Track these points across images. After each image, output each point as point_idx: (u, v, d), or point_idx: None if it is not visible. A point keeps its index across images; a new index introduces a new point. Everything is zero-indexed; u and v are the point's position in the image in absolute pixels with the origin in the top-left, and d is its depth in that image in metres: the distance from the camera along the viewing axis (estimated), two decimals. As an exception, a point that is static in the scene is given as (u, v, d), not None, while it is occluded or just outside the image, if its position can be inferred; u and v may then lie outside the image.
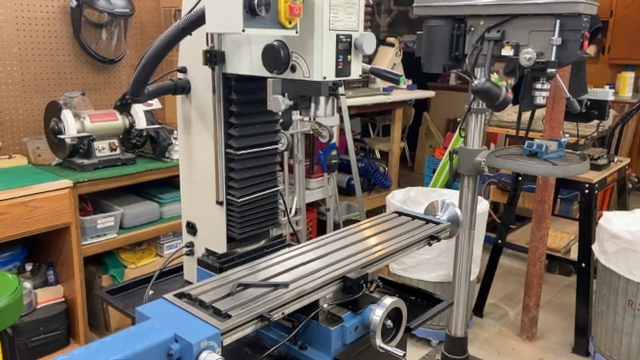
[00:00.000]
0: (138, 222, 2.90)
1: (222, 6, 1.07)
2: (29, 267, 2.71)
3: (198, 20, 1.18)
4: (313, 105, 1.25)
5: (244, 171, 1.45)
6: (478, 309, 3.41)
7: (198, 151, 1.50)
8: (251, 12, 1.04)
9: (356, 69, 1.26)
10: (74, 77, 3.08)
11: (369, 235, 1.51)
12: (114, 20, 3.01)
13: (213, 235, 1.50)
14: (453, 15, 2.49)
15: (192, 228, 1.56)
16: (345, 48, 1.22)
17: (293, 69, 1.22)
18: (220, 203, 1.46)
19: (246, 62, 1.32)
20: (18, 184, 2.43)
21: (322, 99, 1.24)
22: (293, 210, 3.65)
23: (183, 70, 1.48)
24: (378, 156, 5.65)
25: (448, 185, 4.49)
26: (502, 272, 3.95)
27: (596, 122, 3.24)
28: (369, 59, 4.33)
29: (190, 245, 1.57)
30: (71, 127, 2.60)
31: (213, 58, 1.36)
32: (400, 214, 1.73)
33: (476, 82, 2.30)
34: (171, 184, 3.09)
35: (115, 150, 2.79)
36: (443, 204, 1.80)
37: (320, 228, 4.14)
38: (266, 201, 1.52)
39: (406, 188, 3.39)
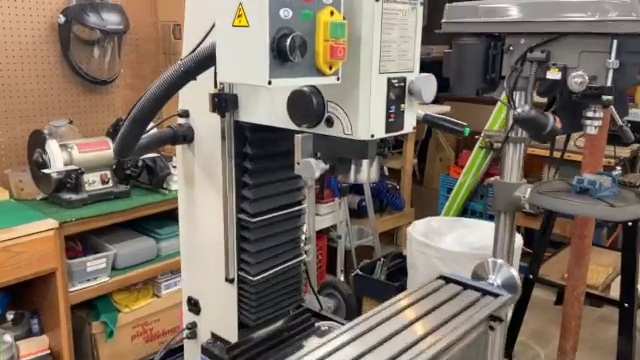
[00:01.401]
0: (133, 262, 2.60)
1: (240, 48, 0.78)
2: (10, 316, 2.41)
3: (206, 62, 0.89)
4: (353, 167, 0.97)
5: (261, 242, 1.16)
6: (507, 349, 3.11)
7: (203, 214, 1.21)
8: (280, 57, 0.75)
9: (410, 121, 0.97)
10: (62, 100, 2.79)
11: (417, 316, 1.21)
12: (106, 37, 2.72)
13: (221, 317, 1.21)
14: (488, 33, 2.20)
15: (195, 305, 1.27)
16: (398, 95, 0.93)
17: (329, 122, 0.93)
18: (230, 281, 1.17)
19: (265, 109, 1.03)
20: (-2, 225, 2.14)
21: (365, 162, 0.95)
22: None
23: (184, 114, 1.19)
24: (386, 173, 5.35)
25: (464, 208, 4.21)
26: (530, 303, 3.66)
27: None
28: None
29: (192, 326, 1.28)
30: (57, 160, 2.31)
31: (223, 104, 1.07)
32: (447, 280, 1.44)
33: (519, 110, 2.01)
34: (169, 217, 2.79)
35: (107, 183, 2.50)
36: (495, 265, 1.52)
37: (331, 256, 3.84)
38: (288, 275, 1.23)
39: (427, 218, 3.09)
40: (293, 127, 0.97)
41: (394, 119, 0.93)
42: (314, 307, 1.45)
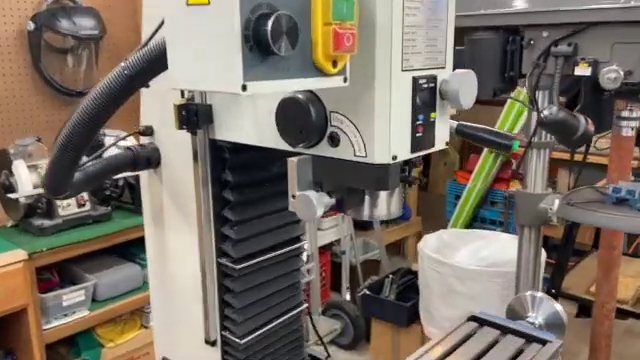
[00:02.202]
0: (116, 292, 2.34)
1: (199, 37, 0.52)
2: (-21, 358, 2.15)
3: (158, 61, 0.63)
4: (369, 200, 0.71)
5: (249, 293, 0.90)
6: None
7: (175, 259, 0.95)
8: (260, 49, 0.50)
9: (442, 134, 0.72)
10: (34, 115, 2.53)
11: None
12: (81, 44, 2.47)
13: (203, 387, 0.95)
14: (505, 25, 1.94)
15: (171, 369, 1.01)
16: (427, 100, 0.67)
17: (334, 141, 0.67)
18: (212, 343, 0.91)
19: (248, 124, 0.78)
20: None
21: (385, 193, 0.70)
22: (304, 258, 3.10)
23: (148, 132, 0.94)
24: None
25: (474, 216, 3.96)
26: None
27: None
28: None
29: (170, 394, 1.02)
30: (25, 182, 2.05)
31: (193, 118, 0.81)
32: (480, 322, 1.18)
33: (546, 112, 1.76)
34: (157, 239, 2.53)
35: (84, 205, 2.24)
36: (534, 299, 1.26)
37: (335, 272, 3.58)
38: (285, 331, 0.97)
39: (438, 232, 2.83)
40: (285, 147, 0.72)
41: (422, 133, 0.68)
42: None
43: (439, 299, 2.43)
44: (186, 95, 0.84)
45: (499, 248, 2.71)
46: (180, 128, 0.82)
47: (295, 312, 0.97)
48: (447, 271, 2.40)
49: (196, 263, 0.89)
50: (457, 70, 0.69)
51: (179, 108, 0.82)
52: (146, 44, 0.66)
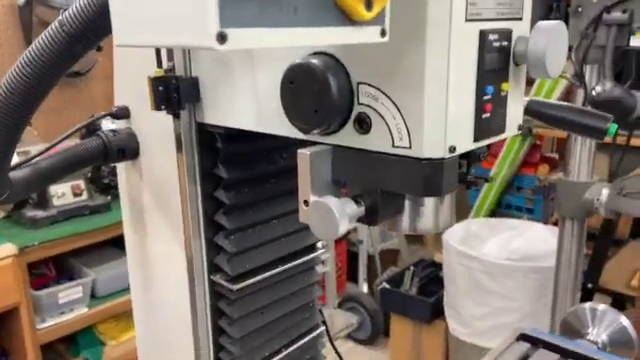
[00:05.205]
0: (117, 287, 2.18)
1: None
2: (-29, 359, 2.01)
3: (104, 14, 0.43)
4: (409, 208, 0.51)
5: (249, 319, 0.71)
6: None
7: (158, 272, 0.76)
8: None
9: (516, 115, 0.51)
10: (28, 96, 2.35)
11: None
12: (76, 19, 2.27)
13: None
14: (548, -10, 1.71)
15: (159, 404, 0.83)
16: (498, 65, 0.47)
17: (363, 125, 0.47)
18: (205, 379, 0.72)
19: (246, 103, 0.58)
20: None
21: (433, 200, 0.50)
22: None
23: (122, 114, 0.74)
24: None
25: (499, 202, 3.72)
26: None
27: None
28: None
29: None
30: (14, 170, 1.88)
31: (173, 95, 0.61)
32: (532, 341, 0.98)
33: (599, 89, 1.53)
34: (161, 230, 2.36)
35: (80, 195, 2.07)
36: (594, 313, 1.05)
37: (351, 263, 3.39)
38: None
39: (465, 221, 2.63)
40: (295, 134, 0.52)
41: (491, 112, 0.47)
42: None
43: (466, 296, 2.23)
44: (164, 65, 0.64)
45: (531, 239, 2.50)
46: (157, 109, 0.63)
47: (308, 338, 0.78)
48: (475, 265, 2.20)
49: (183, 279, 0.70)
50: (541, 22, 0.47)
51: (154, 82, 0.62)
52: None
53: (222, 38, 0.30)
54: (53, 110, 2.40)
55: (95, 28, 0.46)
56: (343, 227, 0.46)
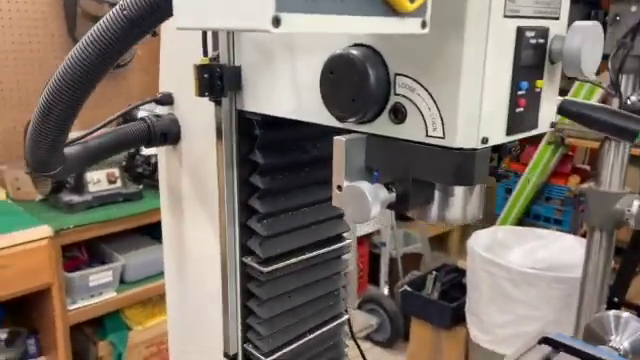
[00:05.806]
0: (145, 274, 2.24)
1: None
2: (3, 335, 2.09)
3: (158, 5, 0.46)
4: (439, 197, 0.53)
5: (278, 302, 0.73)
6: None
7: (193, 253, 0.80)
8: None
9: (548, 111, 0.52)
10: (69, 86, 2.44)
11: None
12: (118, 12, 2.34)
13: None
14: (586, -2, 1.70)
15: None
16: (534, 61, 0.48)
17: (398, 115, 0.49)
18: (231, 358, 0.75)
19: (285, 91, 0.61)
20: (-18, 233, 1.81)
21: (463, 190, 0.51)
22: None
23: (166, 100, 0.78)
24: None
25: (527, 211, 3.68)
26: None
27: None
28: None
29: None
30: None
31: (217, 83, 0.65)
32: (554, 345, 0.98)
33: (634, 98, 1.52)
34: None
35: (115, 182, 2.14)
36: (617, 320, 1.05)
37: (373, 265, 3.40)
38: (320, 347, 0.80)
39: (491, 228, 2.61)
40: (332, 123, 0.54)
41: (524, 107, 0.49)
42: None
43: (489, 302, 2.22)
44: (210, 54, 0.67)
45: (558, 250, 2.46)
46: (201, 95, 0.66)
47: (333, 325, 0.80)
48: (501, 273, 2.18)
49: (216, 261, 0.73)
50: (577, 22, 0.49)
51: (200, 70, 0.65)
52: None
53: (277, 22, 0.33)
54: (94, 100, 2.47)
55: (154, 12, 0.49)
56: (375, 210, 0.48)
